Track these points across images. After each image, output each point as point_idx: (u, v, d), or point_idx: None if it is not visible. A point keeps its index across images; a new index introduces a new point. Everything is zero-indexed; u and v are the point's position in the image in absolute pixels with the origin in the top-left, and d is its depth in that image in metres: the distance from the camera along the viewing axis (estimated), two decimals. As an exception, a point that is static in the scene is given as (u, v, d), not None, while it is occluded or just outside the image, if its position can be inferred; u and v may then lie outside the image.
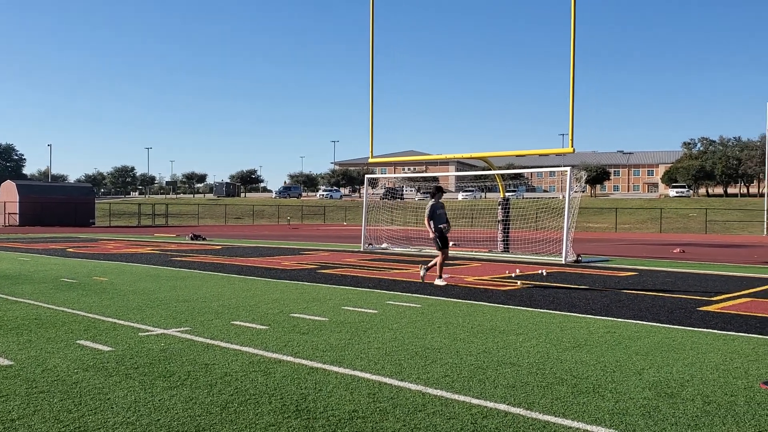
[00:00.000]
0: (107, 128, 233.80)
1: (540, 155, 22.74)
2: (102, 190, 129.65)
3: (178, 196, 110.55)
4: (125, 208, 71.80)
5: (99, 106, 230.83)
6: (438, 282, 12.16)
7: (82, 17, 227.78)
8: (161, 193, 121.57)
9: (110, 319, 8.24)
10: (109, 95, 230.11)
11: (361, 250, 22.54)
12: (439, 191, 12.72)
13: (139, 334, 7.32)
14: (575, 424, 4.37)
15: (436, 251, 12.64)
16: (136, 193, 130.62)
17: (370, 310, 9.08)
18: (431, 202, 12.62)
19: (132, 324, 7.93)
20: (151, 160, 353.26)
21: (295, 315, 8.64)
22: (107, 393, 4.99)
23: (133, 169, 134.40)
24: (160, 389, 5.11)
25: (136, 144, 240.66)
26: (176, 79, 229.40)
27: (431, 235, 12.40)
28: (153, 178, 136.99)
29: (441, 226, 12.40)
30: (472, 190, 79.72)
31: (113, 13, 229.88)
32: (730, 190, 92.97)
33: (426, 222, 12.43)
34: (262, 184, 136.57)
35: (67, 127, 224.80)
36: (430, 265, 12.67)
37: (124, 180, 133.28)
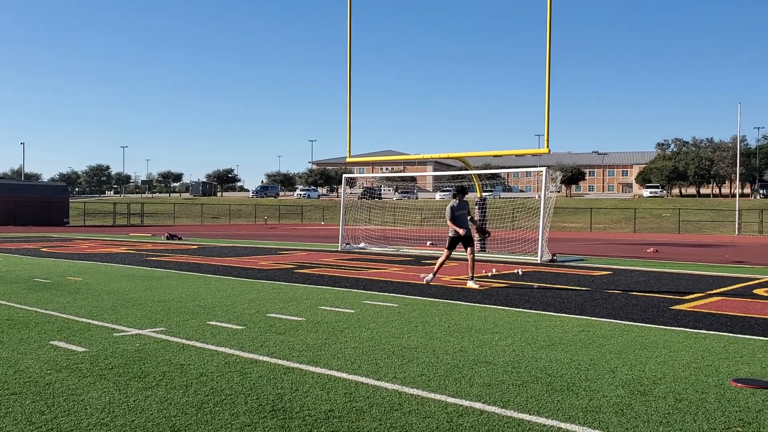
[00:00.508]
0: (82, 126, 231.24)
1: (516, 156, 22.93)
2: (76, 189, 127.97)
3: (154, 195, 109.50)
4: (100, 208, 70.99)
5: (73, 105, 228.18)
6: (425, 277, 12.22)
7: (56, 15, 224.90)
8: (137, 193, 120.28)
9: (84, 320, 8.16)
10: (84, 93, 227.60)
11: (339, 249, 22.52)
12: (461, 192, 12.27)
13: (114, 334, 7.26)
14: (549, 422, 4.42)
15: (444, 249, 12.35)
16: (111, 193, 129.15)
17: (347, 310, 9.09)
18: (452, 203, 12.22)
19: (106, 324, 7.86)
20: (126, 159, 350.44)
21: (272, 315, 8.62)
22: (81, 394, 4.95)
23: (108, 168, 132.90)
24: (134, 390, 5.07)
25: (111, 143, 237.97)
26: (152, 77, 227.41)
27: (458, 233, 11.99)
28: (128, 177, 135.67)
29: (461, 231, 12.00)
30: (450, 190, 80.00)
31: (88, 11, 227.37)
32: (702, 191, 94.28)
33: (449, 225, 12.08)
34: (239, 184, 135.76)
35: (40, 125, 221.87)
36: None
37: (99, 179, 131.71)
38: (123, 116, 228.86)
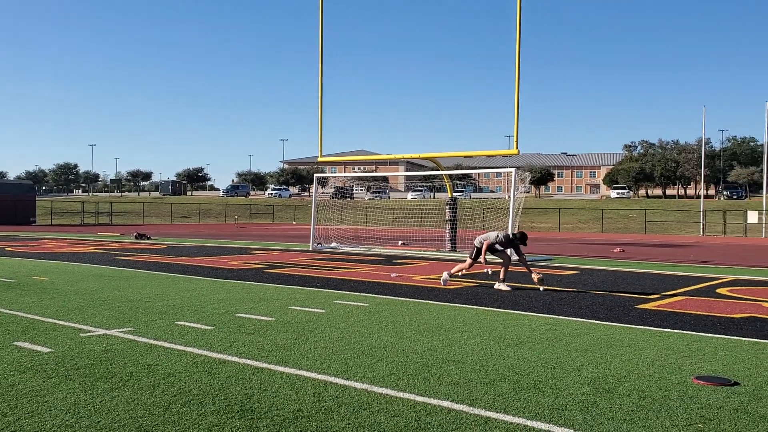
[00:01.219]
0: (49, 124, 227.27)
1: (487, 156, 23.12)
2: (44, 188, 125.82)
3: (123, 194, 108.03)
4: (68, 207, 69.84)
5: (40, 102, 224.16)
6: (445, 275, 12.22)
7: (23, 15, 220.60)
8: (105, 191, 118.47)
9: (50, 320, 8.04)
10: (51, 92, 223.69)
11: (310, 249, 22.47)
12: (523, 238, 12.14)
13: (80, 334, 7.17)
14: (516, 419, 4.48)
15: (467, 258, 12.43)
16: (80, 191, 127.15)
17: (318, 310, 9.08)
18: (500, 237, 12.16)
19: (73, 324, 7.75)
20: (95, 158, 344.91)
21: (241, 315, 8.58)
22: (45, 395, 4.89)
23: (76, 166, 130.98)
24: (101, 391, 5.02)
25: (79, 141, 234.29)
26: (121, 75, 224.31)
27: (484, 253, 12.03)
28: (97, 176, 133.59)
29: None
30: (421, 190, 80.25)
31: (54, 9, 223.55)
32: (668, 192, 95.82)
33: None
34: (209, 183, 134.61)
35: (5, 123, 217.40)
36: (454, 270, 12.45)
37: (67, 177, 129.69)
38: (91, 114, 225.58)
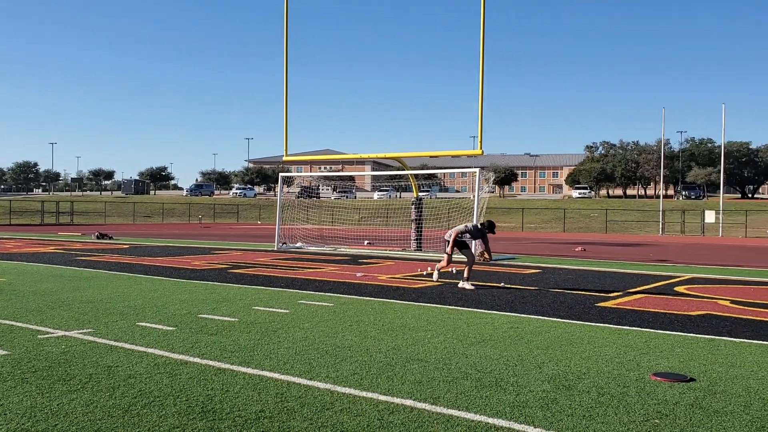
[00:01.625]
0: (7, 122, 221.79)
1: (452, 156, 23.22)
2: (2, 187, 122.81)
3: (85, 193, 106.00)
4: (27, 206, 68.29)
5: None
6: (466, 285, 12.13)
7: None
8: (66, 190, 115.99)
9: (7, 322, 7.87)
10: (9, 89, 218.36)
11: (275, 249, 22.35)
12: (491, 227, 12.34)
13: (39, 336, 7.04)
14: (477, 417, 4.52)
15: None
16: (40, 190, 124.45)
17: (282, 310, 9.05)
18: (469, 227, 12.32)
19: (31, 326, 7.60)
20: (55, 156, 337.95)
21: (204, 316, 8.50)
22: (1, 399, 4.79)
23: (36, 164, 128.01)
24: (59, 393, 4.94)
25: (39, 139, 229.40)
26: (82, 74, 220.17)
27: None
28: (58, 175, 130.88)
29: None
30: (387, 190, 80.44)
31: (13, 8, 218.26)
32: (629, 192, 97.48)
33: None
34: (172, 182, 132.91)
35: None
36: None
37: (26, 176, 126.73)
38: (52, 112, 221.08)
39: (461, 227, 12.26)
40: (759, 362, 6.28)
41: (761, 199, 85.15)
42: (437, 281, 12.70)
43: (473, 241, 12.79)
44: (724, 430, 4.35)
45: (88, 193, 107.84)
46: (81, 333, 7.25)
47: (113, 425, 4.26)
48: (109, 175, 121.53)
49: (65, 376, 5.40)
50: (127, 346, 6.61)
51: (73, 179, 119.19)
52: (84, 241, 27.33)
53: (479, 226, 12.38)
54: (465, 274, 12.10)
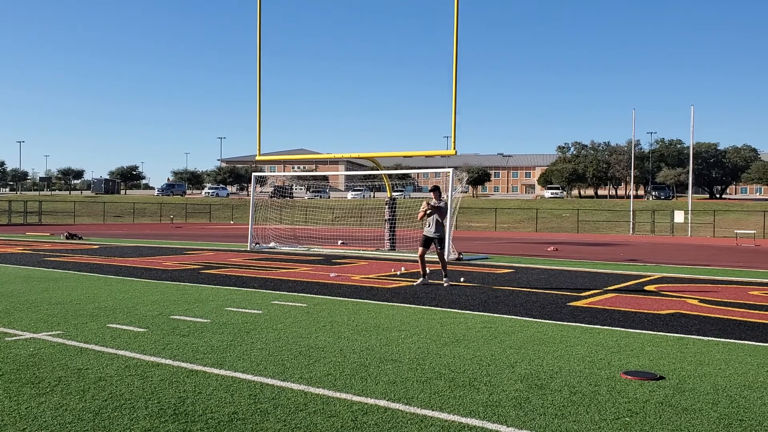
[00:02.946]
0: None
1: (426, 156, 23.29)
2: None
3: (53, 192, 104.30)
4: (-8, 205, 67.02)
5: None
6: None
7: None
8: (34, 190, 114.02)
9: (-28, 324, 7.71)
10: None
11: (248, 249, 22.22)
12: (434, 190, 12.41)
13: (6, 338, 6.91)
14: (451, 417, 4.54)
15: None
16: (7, 190, 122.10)
17: (254, 311, 8.99)
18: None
19: (-3, 329, 7.46)
20: (23, 155, 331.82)
21: (176, 317, 8.42)
22: (-33, 403, 4.69)
23: (2, 163, 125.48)
24: (27, 396, 4.85)
25: (6, 137, 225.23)
26: (52, 73, 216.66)
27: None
28: (25, 174, 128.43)
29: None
30: (361, 190, 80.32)
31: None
32: (600, 192, 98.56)
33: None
34: (143, 181, 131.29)
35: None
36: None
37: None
38: (20, 110, 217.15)
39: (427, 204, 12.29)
40: (726, 360, 6.39)
41: (729, 199, 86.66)
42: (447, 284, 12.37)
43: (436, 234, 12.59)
44: (692, 427, 4.42)
45: (57, 192, 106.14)
46: (50, 335, 7.13)
47: (83, 429, 4.20)
48: (79, 174, 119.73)
49: (34, 379, 5.32)
50: (97, 348, 6.52)
51: (41, 178, 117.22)
52: (53, 241, 26.90)
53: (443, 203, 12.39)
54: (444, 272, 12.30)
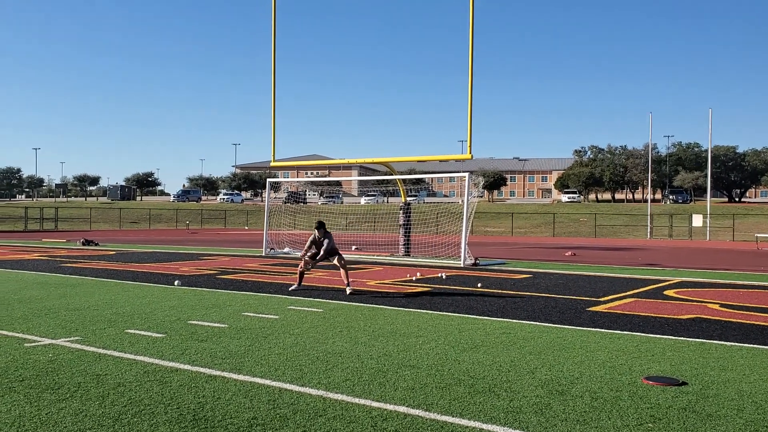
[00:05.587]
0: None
1: (440, 161, 23.22)
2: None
3: (69, 199, 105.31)
4: (10, 212, 67.74)
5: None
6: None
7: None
8: (50, 196, 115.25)
9: (-8, 330, 7.77)
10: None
11: (263, 255, 22.27)
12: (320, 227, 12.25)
13: (25, 345, 6.94)
14: (472, 423, 4.50)
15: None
16: (23, 196, 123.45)
17: (271, 316, 8.99)
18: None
19: (17, 334, 7.50)
20: (39, 162, 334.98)
21: (193, 322, 8.43)
22: (-12, 408, 4.71)
23: (19, 170, 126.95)
24: (47, 402, 4.86)
25: (22, 144, 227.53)
26: (68, 79, 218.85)
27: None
28: (41, 180, 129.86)
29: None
30: (375, 195, 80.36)
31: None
32: (617, 196, 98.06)
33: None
34: (159, 188, 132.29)
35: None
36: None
37: (10, 182, 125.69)
38: (36, 117, 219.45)
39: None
40: (750, 365, 6.29)
41: (748, 202, 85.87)
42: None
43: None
44: (718, 434, 4.35)
45: (73, 199, 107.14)
46: (68, 341, 7.16)
47: (103, 434, 4.20)
48: (95, 180, 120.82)
49: (53, 385, 5.33)
50: (116, 353, 6.53)
51: (57, 185, 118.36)
52: (69, 247, 27.10)
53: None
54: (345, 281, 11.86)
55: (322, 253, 12.03)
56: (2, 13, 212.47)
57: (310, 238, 12.30)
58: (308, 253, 12.23)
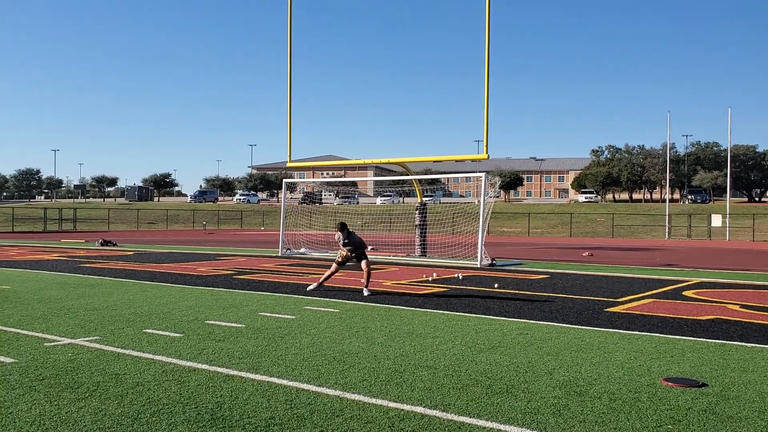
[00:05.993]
0: (10, 129, 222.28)
1: (456, 161, 23.15)
2: (4, 194, 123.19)
3: (88, 200, 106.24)
4: (30, 213, 68.47)
5: (0, 106, 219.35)
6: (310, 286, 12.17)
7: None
8: (69, 197, 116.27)
9: (13, 330, 7.85)
10: (12, 95, 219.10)
11: (280, 255, 22.33)
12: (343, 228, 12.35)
13: (45, 344, 7.01)
14: (489, 424, 4.48)
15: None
16: (42, 197, 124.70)
17: (288, 316, 9.01)
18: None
19: (37, 334, 7.58)
20: (58, 163, 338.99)
21: (211, 322, 8.47)
22: (9, 407, 4.76)
23: (38, 171, 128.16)
24: (67, 401, 4.91)
25: (41, 146, 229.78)
26: (85, 80, 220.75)
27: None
28: (60, 182, 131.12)
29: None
30: (390, 195, 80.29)
31: (16, 11, 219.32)
32: (635, 196, 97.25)
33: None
34: (176, 188, 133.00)
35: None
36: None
37: (29, 183, 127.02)
38: (55, 118, 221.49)
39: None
40: (771, 367, 6.21)
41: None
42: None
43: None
44: (739, 436, 4.30)
45: (91, 199, 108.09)
46: (87, 341, 7.22)
47: (122, 433, 4.23)
48: (113, 181, 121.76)
49: (73, 384, 5.37)
50: (134, 353, 6.58)
51: (75, 186, 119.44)
52: (88, 248, 27.35)
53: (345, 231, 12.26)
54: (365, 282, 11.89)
55: (354, 248, 12.22)
56: (23, 16, 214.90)
57: (338, 241, 12.37)
58: (343, 252, 12.26)
